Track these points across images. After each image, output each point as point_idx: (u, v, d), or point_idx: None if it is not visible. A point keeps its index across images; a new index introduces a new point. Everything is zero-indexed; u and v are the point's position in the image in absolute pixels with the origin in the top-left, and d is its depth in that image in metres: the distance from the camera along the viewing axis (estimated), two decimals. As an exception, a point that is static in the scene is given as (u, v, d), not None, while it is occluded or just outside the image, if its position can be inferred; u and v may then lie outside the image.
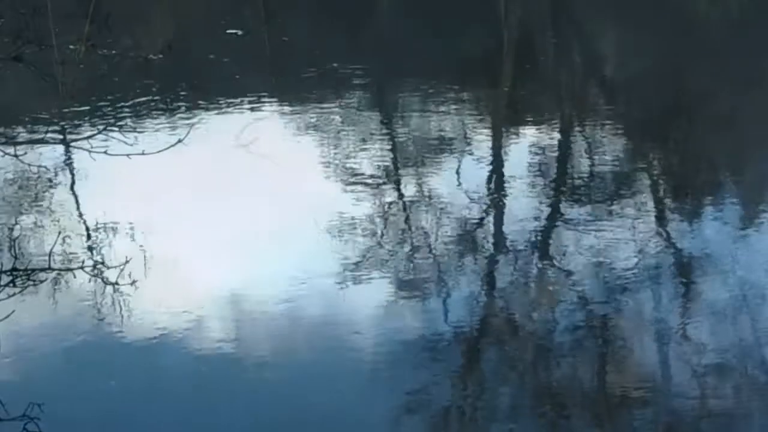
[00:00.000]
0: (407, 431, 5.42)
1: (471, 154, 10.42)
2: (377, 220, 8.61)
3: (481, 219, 8.65)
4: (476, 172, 9.81)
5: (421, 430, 5.49)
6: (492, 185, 9.59)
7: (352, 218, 8.51)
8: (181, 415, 5.57)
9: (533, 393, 5.87)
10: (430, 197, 9.16)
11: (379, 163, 10.12)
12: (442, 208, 8.83)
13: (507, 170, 9.97)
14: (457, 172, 9.90)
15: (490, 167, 10.09)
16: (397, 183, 9.61)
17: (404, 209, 8.90)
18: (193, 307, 6.78)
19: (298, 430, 5.41)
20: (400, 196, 9.23)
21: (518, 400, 5.76)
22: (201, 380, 5.96)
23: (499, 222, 8.70)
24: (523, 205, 8.88)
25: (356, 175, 9.75)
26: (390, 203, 9.07)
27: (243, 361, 6.13)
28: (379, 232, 8.35)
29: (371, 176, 9.77)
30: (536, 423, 5.54)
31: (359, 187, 9.41)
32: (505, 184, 9.55)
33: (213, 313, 6.74)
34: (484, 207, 8.93)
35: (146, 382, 5.91)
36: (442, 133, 11.02)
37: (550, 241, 8.22)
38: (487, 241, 8.20)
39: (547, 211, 8.83)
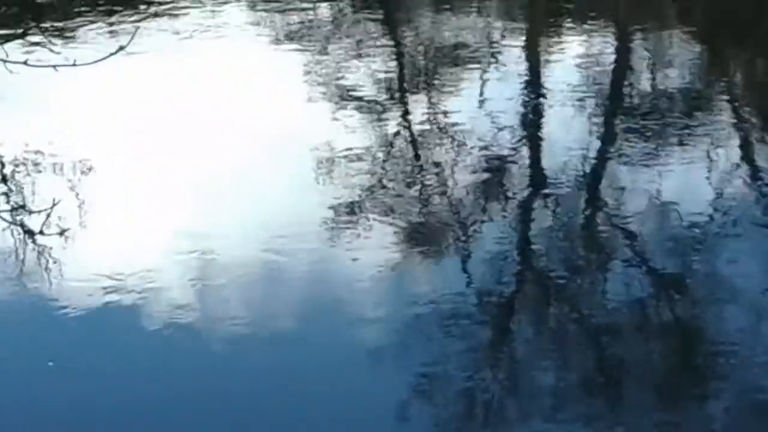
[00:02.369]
0: (421, 419, 5.29)
1: (500, 67, 10.29)
2: (379, 152, 8.44)
3: (513, 151, 8.49)
4: (507, 90, 9.65)
5: (438, 417, 5.36)
6: (527, 108, 9.44)
7: (348, 151, 8.34)
8: (136, 403, 5.42)
9: (580, 372, 5.75)
10: (447, 123, 8.99)
11: (382, 79, 9.93)
12: (462, 138, 8.66)
13: (546, 88, 9.84)
14: (482, 91, 9.76)
15: (525, 85, 9.94)
16: (405, 104, 9.47)
17: (414, 138, 8.76)
18: (142, 265, 6.61)
19: (285, 420, 5.28)
20: (409, 121, 9.08)
21: (562, 381, 5.62)
22: (158, 359, 5.81)
23: (535, 155, 8.52)
24: (567, 133, 8.74)
25: (352, 94, 9.56)
26: (396, 131, 8.90)
27: (211, 335, 5.97)
28: (382, 168, 8.18)
29: (371, 96, 9.56)
30: (582, 410, 5.42)
31: (356, 111, 9.22)
32: (544, 106, 9.40)
33: (169, 273, 6.58)
34: (517, 136, 8.77)
35: (91, 363, 5.73)
36: (463, 41, 10.90)
37: (602, 180, 8.09)
38: (521, 181, 8.02)
39: (597, 140, 8.69)
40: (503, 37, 11.20)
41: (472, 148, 8.44)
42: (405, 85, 9.94)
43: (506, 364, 5.85)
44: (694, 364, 5.85)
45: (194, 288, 6.43)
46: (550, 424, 5.31)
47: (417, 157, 8.42)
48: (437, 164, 8.21)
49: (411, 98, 9.61)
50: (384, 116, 9.16)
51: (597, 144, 8.61)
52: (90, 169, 7.90)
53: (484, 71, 10.18)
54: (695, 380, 5.70)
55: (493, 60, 10.45)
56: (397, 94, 9.64)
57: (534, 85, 9.92)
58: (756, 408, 5.48)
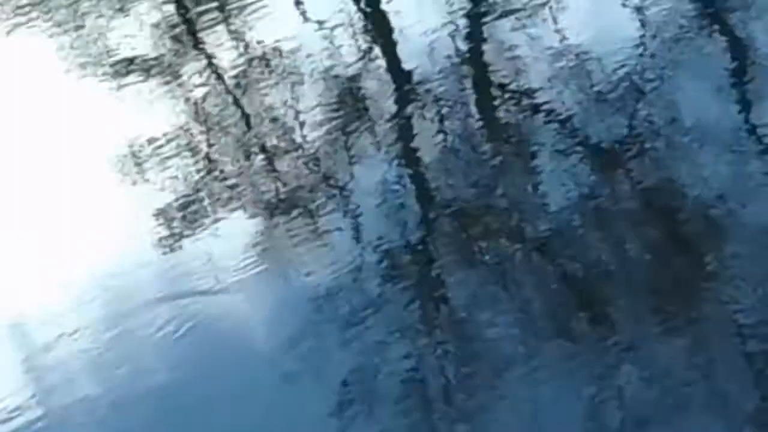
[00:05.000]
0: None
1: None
2: (191, 127, 8.18)
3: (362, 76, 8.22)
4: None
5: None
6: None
7: (145, 138, 8.09)
8: None
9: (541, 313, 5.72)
10: (266, 57, 8.78)
11: (161, 27, 9.78)
12: (298, 72, 8.43)
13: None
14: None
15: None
16: (203, 51, 9.27)
17: (231, 89, 8.57)
18: None
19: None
20: (216, 70, 8.88)
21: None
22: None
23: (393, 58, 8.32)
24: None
25: (126, 58, 9.40)
26: (203, 90, 8.64)
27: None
28: (205, 148, 7.92)
29: (154, 52, 9.40)
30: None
31: (140, 80, 9.07)
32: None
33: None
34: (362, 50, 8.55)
35: None
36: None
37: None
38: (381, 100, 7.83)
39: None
40: None
41: (314, 81, 8.22)
42: (195, 25, 9.64)
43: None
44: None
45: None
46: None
47: (246, 118, 8.14)
48: (274, 115, 8.03)
49: (210, 39, 9.34)
50: (180, 74, 8.90)
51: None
52: None
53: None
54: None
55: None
56: (187, 39, 9.39)
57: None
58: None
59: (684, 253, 5.76)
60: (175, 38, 9.53)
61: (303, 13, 9.31)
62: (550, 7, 8.24)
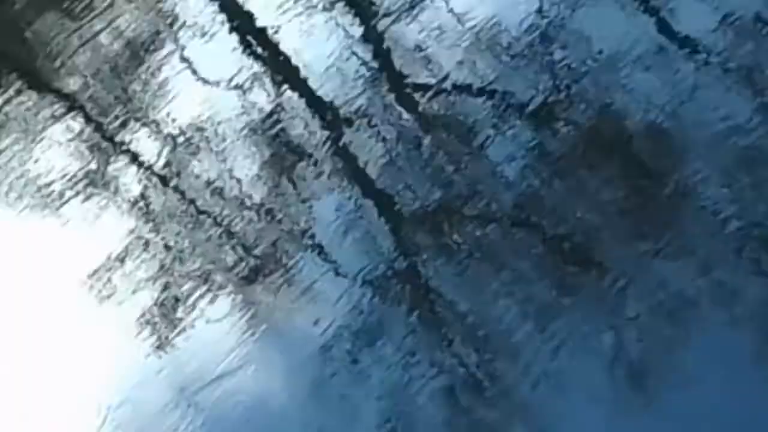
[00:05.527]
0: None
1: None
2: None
3: None
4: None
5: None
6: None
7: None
8: None
9: None
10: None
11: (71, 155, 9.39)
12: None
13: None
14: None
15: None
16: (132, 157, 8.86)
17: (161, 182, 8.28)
18: None
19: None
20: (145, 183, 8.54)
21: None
22: None
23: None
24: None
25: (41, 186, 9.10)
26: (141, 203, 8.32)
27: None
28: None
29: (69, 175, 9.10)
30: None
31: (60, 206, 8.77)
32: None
33: None
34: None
35: None
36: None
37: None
38: None
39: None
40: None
41: (244, 141, 8.00)
42: (108, 129, 9.27)
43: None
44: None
45: None
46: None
47: (192, 200, 7.92)
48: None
49: (128, 137, 8.97)
50: (112, 181, 8.62)
51: None
52: None
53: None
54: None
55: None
56: (107, 145, 9.05)
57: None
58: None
59: (650, 176, 5.78)
60: (94, 148, 9.22)
61: (206, 79, 9.02)
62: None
